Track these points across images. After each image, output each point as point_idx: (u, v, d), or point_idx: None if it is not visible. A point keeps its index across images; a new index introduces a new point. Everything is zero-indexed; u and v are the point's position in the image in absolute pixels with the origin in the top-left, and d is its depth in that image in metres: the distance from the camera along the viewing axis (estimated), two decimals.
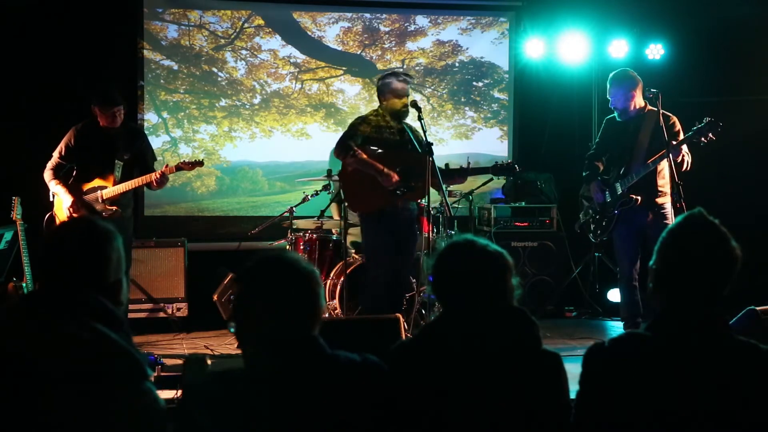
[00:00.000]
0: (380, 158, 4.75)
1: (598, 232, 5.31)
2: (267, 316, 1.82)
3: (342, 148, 4.79)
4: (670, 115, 5.04)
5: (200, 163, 5.12)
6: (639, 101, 5.13)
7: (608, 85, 5.21)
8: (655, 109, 4.98)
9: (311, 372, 1.80)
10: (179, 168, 5.07)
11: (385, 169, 4.67)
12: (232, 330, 1.91)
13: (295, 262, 1.89)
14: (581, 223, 5.52)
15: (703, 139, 4.77)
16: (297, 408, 1.76)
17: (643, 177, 5.02)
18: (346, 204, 5.04)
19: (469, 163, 4.94)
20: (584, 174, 5.39)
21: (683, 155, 4.87)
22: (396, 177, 4.67)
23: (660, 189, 5.06)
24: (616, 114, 5.21)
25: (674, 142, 4.82)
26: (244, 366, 1.82)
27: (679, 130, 5.00)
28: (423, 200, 4.62)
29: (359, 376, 1.85)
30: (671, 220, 4.98)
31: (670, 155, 4.78)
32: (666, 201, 5.06)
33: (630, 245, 5.15)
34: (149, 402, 1.80)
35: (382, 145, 4.79)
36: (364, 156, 4.73)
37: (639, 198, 5.01)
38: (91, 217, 2.04)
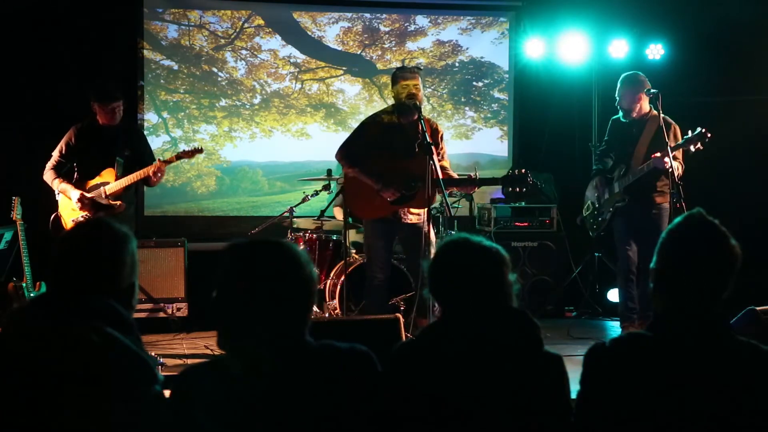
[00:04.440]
0: (381, 169, 4.61)
1: (594, 227, 5.50)
2: (261, 309, 1.76)
3: (343, 155, 4.71)
4: (671, 121, 5.12)
5: (200, 151, 5.10)
6: (645, 106, 5.22)
7: (618, 85, 5.29)
8: (658, 113, 5.04)
9: (301, 365, 1.78)
10: (179, 157, 5.07)
11: (382, 186, 4.58)
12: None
13: (290, 247, 1.83)
14: (583, 216, 5.66)
15: (692, 147, 4.85)
16: (289, 402, 1.75)
17: (642, 177, 5.10)
18: (346, 206, 4.97)
19: (476, 173, 4.79)
20: (593, 168, 5.59)
21: (669, 165, 4.84)
22: (393, 195, 4.57)
23: (659, 189, 5.15)
24: (620, 114, 5.31)
25: (658, 154, 4.90)
26: (237, 363, 1.78)
27: (675, 139, 5.05)
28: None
29: (346, 364, 1.83)
30: (666, 219, 5.07)
31: (659, 162, 4.87)
32: (664, 201, 5.14)
33: (627, 241, 5.25)
34: (158, 406, 1.79)
35: (388, 148, 4.63)
36: (361, 173, 4.64)
37: (627, 198, 5.17)
38: (106, 219, 2.03)
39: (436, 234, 5.31)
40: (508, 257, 2.03)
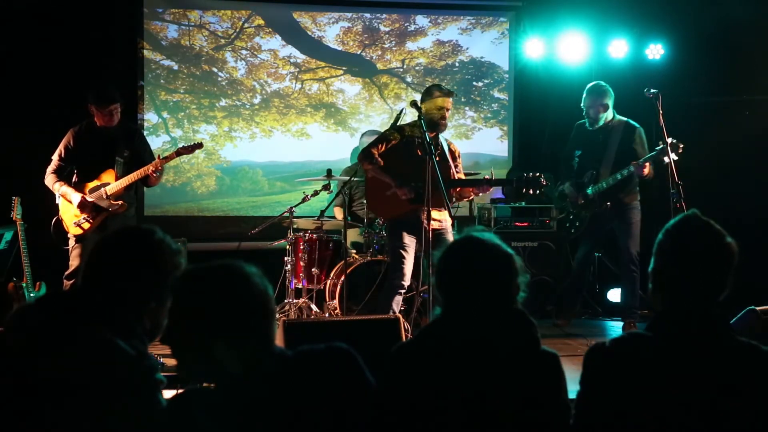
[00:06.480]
0: (399, 170, 4.74)
1: (572, 231, 5.85)
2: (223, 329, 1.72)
3: (364, 155, 4.85)
4: (635, 126, 5.51)
5: (200, 146, 5.10)
6: (609, 114, 5.57)
7: (584, 94, 5.64)
8: (622, 119, 5.53)
9: (278, 375, 1.75)
10: (179, 153, 5.05)
11: (396, 185, 4.72)
12: None
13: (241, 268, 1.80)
14: (558, 217, 6.10)
15: (665, 158, 5.06)
16: (275, 414, 1.72)
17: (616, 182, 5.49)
18: (367, 206, 5.17)
19: (492, 173, 4.88)
20: (562, 174, 5.92)
21: (647, 172, 5.26)
22: (407, 194, 4.70)
23: (628, 188, 5.51)
24: (586, 121, 5.65)
25: (636, 162, 5.24)
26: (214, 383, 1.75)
27: (640, 143, 5.48)
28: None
29: (325, 364, 1.80)
30: (635, 217, 5.53)
31: (637, 167, 5.23)
32: (633, 199, 5.54)
33: (592, 238, 5.78)
34: (155, 411, 1.79)
35: (404, 156, 4.77)
36: (380, 167, 4.79)
37: (609, 203, 5.52)
38: (156, 233, 2.03)
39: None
40: (520, 264, 2.03)
